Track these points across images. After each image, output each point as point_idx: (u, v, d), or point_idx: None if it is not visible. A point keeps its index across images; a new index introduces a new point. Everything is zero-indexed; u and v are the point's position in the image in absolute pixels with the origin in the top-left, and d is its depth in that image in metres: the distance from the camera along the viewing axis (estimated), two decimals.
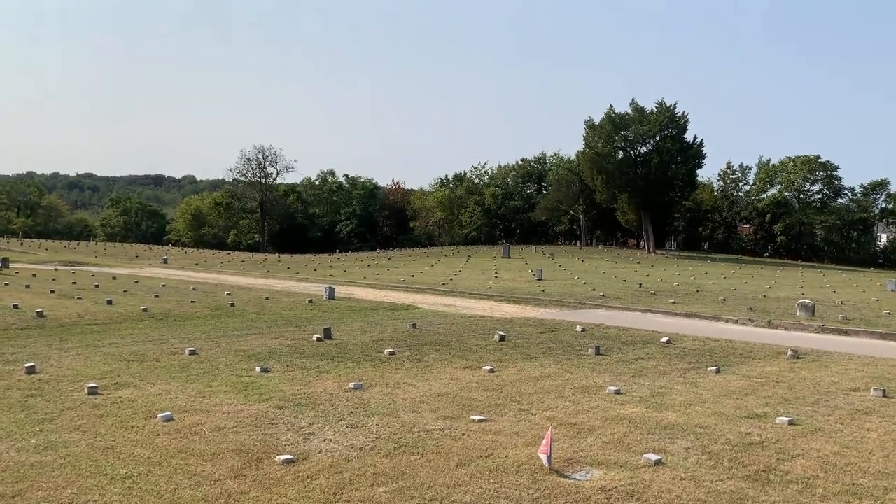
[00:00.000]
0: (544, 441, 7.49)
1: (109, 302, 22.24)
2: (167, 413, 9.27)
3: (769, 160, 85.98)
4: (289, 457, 7.63)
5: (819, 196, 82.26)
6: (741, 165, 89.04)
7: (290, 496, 6.60)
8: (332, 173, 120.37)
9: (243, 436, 8.47)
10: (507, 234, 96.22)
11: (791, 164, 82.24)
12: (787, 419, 9.58)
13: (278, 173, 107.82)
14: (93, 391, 10.49)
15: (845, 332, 19.51)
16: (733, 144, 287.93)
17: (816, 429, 9.31)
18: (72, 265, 45.59)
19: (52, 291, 25.69)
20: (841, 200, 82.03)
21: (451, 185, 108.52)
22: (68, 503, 6.36)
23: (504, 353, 14.86)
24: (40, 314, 19.06)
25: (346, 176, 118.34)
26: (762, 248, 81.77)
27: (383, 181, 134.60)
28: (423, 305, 24.74)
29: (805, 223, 78.79)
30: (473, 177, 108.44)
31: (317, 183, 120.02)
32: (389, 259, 59.77)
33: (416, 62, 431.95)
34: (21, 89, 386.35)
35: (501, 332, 16.96)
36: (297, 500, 6.53)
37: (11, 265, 39.28)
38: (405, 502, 6.50)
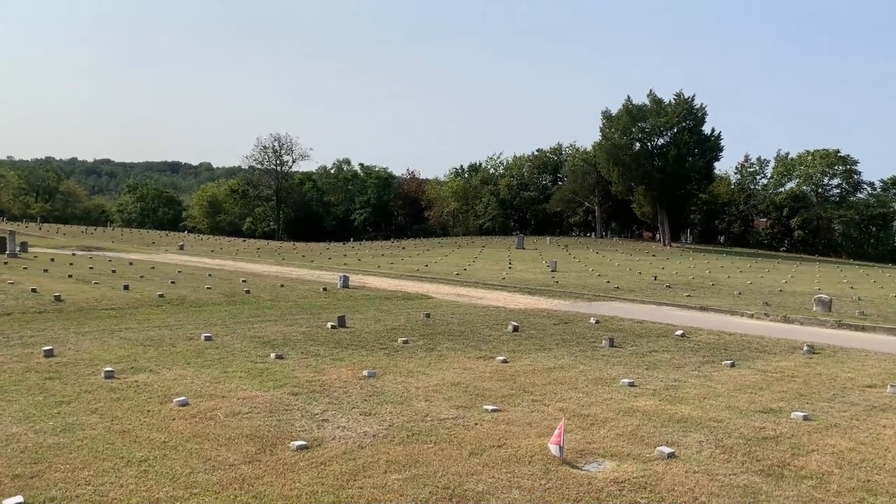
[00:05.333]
0: (556, 432, 7.49)
1: (126, 287, 22.42)
2: (183, 398, 9.35)
3: (787, 154, 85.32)
4: (303, 443, 7.68)
5: (838, 190, 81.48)
6: (759, 159, 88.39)
7: (304, 482, 6.65)
8: (347, 162, 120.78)
9: (258, 421, 8.53)
10: (521, 225, 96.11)
11: (810, 157, 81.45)
12: (802, 414, 9.52)
13: (294, 161, 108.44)
14: (109, 375, 10.59)
15: (862, 328, 19.35)
16: (751, 138, 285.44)
17: (832, 424, 9.25)
18: (89, 250, 45.99)
19: (70, 276, 25.92)
20: (860, 195, 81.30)
21: (466, 176, 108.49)
22: (85, 484, 6.43)
23: (517, 343, 14.86)
24: (58, 298, 19.25)
25: (361, 165, 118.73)
26: (779, 242, 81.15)
27: (398, 171, 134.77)
28: (437, 295, 24.77)
29: (823, 218, 78.08)
30: (489, 167, 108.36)
31: (332, 171, 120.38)
32: (403, 249, 59.83)
33: (431, 52, 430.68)
34: (41, 76, 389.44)
35: (515, 323, 16.95)
36: (310, 485, 6.57)
37: (30, 249, 39.69)
38: (418, 490, 6.53)
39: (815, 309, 22.29)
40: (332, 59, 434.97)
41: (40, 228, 72.05)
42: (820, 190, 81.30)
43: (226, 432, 8.06)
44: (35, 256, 35.73)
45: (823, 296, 23.30)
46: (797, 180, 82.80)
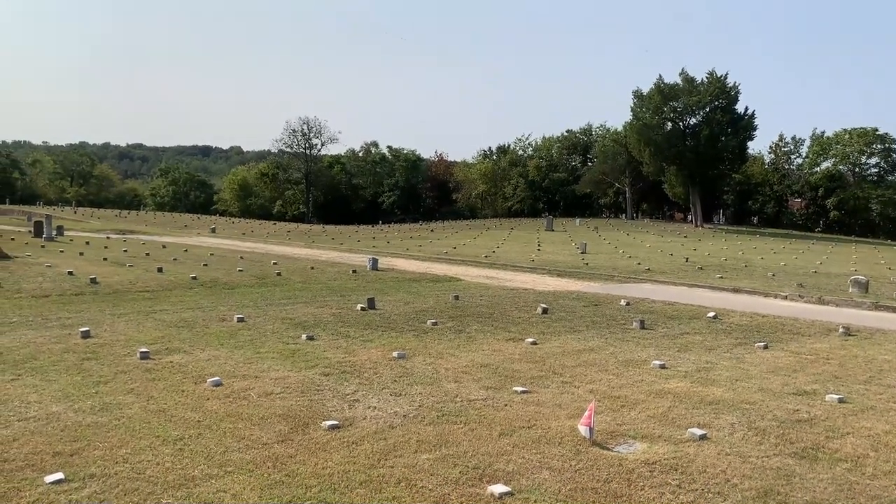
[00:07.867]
0: (587, 413, 7.47)
1: (160, 270, 22.77)
2: (216, 378, 9.49)
3: (823, 132, 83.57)
4: (334, 422, 7.76)
5: (876, 170, 79.78)
6: (794, 138, 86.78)
7: (336, 461, 6.72)
8: (375, 145, 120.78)
9: (290, 401, 8.63)
10: (550, 207, 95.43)
11: (847, 136, 79.74)
12: (837, 397, 9.38)
13: (323, 144, 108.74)
14: (145, 356, 10.79)
15: None
16: (786, 116, 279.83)
17: (868, 407, 9.10)
18: (123, 233, 46.74)
19: (105, 259, 26.39)
20: None
21: (495, 157, 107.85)
22: (123, 462, 6.58)
23: (547, 325, 14.82)
24: (94, 280, 19.60)
25: (389, 147, 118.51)
26: (814, 222, 79.68)
27: (426, 153, 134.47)
28: (466, 277, 24.78)
29: (860, 198, 76.41)
30: (517, 149, 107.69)
31: (360, 154, 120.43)
32: (432, 231, 59.87)
33: (460, 33, 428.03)
34: (74, 62, 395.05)
35: (544, 305, 16.90)
36: (342, 464, 6.64)
37: (66, 233, 40.44)
38: (448, 470, 6.57)
39: (851, 290, 21.88)
40: (360, 43, 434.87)
41: (75, 212, 73.33)
42: (857, 169, 79.62)
43: (259, 412, 8.17)
44: (71, 240, 36.41)
45: (860, 277, 22.85)
46: (833, 159, 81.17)
